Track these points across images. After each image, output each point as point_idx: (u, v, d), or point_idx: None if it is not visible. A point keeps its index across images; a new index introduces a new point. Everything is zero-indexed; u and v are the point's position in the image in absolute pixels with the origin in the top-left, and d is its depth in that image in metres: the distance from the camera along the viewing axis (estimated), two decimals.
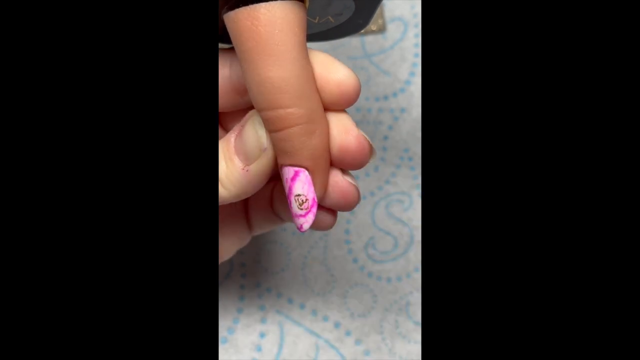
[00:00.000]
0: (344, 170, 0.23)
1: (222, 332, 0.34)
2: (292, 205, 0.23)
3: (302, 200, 0.22)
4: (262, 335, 0.34)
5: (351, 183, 0.23)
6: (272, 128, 0.21)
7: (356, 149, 0.22)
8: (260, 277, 0.36)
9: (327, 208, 0.24)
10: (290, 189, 0.22)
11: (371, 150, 0.23)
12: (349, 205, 0.24)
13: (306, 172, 0.22)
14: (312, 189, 0.22)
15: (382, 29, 0.40)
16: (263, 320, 0.35)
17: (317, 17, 0.23)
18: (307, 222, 0.23)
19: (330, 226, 0.24)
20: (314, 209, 0.23)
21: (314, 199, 0.23)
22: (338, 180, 0.23)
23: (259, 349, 0.34)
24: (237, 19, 0.20)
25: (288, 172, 0.22)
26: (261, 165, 0.22)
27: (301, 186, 0.22)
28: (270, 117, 0.21)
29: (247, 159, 0.22)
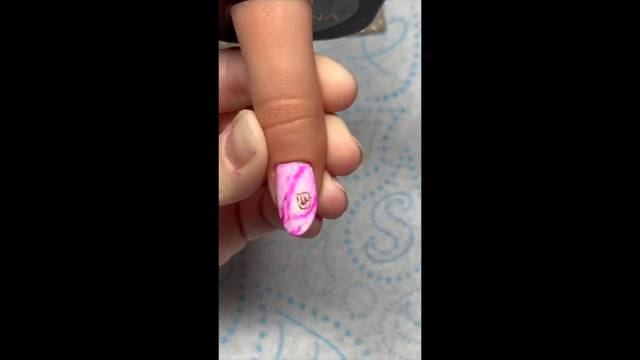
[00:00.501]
0: (332, 176, 0.23)
1: (222, 332, 0.34)
2: (292, 205, 0.22)
3: (305, 199, 0.22)
4: (262, 335, 0.34)
5: (340, 189, 0.23)
6: (282, 118, 0.21)
7: (346, 153, 0.22)
8: (260, 277, 0.36)
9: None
10: (291, 187, 0.22)
11: (361, 156, 0.23)
12: (337, 211, 0.23)
13: (310, 169, 0.22)
14: (314, 186, 0.22)
15: (382, 29, 0.40)
16: (263, 320, 0.35)
17: (321, 15, 0.23)
18: (306, 222, 0.22)
19: (317, 233, 0.24)
20: (315, 208, 0.22)
21: (315, 197, 0.22)
22: (327, 185, 0.23)
23: (259, 348, 0.34)
24: (253, 9, 0.20)
25: (291, 169, 0.22)
26: (252, 168, 0.22)
27: (305, 183, 0.22)
28: (282, 107, 0.21)
29: (237, 161, 0.22)
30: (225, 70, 0.23)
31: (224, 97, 0.23)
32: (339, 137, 0.22)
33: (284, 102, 0.21)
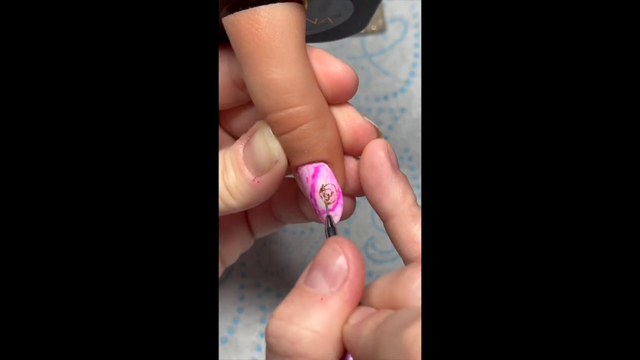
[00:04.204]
0: (356, 157, 0.24)
1: (222, 332, 0.34)
2: (318, 203, 0.23)
3: (328, 194, 0.23)
4: (262, 335, 0.34)
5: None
6: (283, 129, 0.21)
7: (363, 135, 0.23)
8: (260, 277, 0.36)
9: (347, 195, 0.24)
10: (312, 186, 0.23)
11: (378, 134, 0.23)
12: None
13: (326, 166, 0.22)
14: (334, 180, 0.23)
15: (382, 29, 0.40)
16: (263, 320, 0.35)
17: (316, 19, 0.23)
18: (336, 214, 0.23)
19: (352, 212, 0.24)
20: (341, 200, 0.23)
21: (338, 190, 0.23)
22: (353, 167, 0.23)
23: (258, 348, 0.34)
24: (237, 22, 0.20)
25: (308, 170, 0.22)
26: (273, 176, 0.22)
27: (324, 180, 0.22)
28: (280, 118, 0.21)
29: (257, 170, 0.22)
30: (228, 65, 0.23)
31: (230, 91, 0.23)
32: (352, 121, 0.23)
33: (279, 114, 0.21)
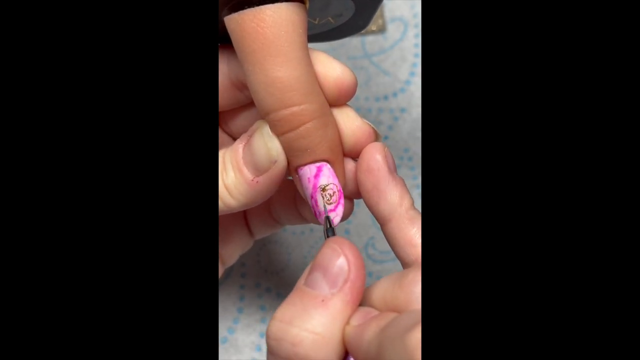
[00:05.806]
0: (354, 159, 0.24)
1: (222, 332, 0.34)
2: (319, 203, 0.23)
3: (330, 194, 0.23)
4: (262, 335, 0.34)
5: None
6: (286, 128, 0.21)
7: (362, 136, 0.23)
8: (260, 277, 0.36)
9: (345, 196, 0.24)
10: (314, 186, 0.22)
11: (376, 136, 0.23)
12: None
13: (328, 165, 0.22)
14: (336, 180, 0.23)
15: (382, 29, 0.40)
16: (263, 320, 0.35)
17: (317, 18, 0.23)
18: (337, 214, 0.23)
19: (350, 214, 0.24)
20: (342, 200, 0.23)
21: (340, 190, 0.23)
22: (352, 168, 0.23)
23: (258, 348, 0.34)
24: (242, 21, 0.20)
25: (310, 170, 0.22)
26: (272, 176, 0.22)
27: (326, 180, 0.22)
28: (284, 117, 0.21)
29: (256, 170, 0.22)
30: (227, 66, 0.23)
31: (229, 93, 0.23)
32: (352, 123, 0.23)
33: (283, 112, 0.21)
